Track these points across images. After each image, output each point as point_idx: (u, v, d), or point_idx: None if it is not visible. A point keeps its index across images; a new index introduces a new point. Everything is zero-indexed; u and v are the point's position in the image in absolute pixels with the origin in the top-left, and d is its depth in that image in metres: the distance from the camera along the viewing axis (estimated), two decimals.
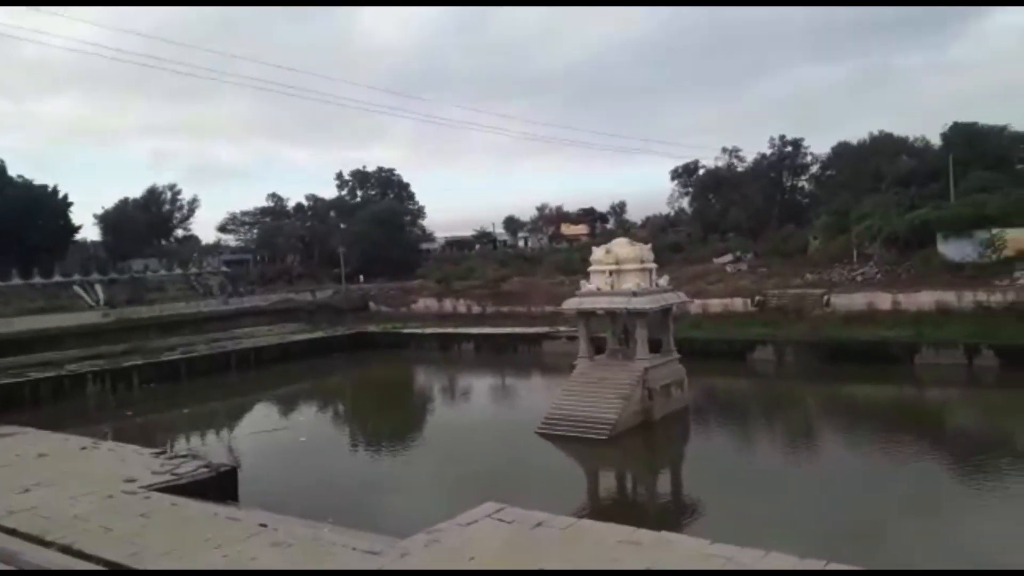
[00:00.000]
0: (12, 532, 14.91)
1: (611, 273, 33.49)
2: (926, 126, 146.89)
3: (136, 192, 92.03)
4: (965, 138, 64.03)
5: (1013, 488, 22.90)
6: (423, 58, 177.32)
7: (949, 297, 43.71)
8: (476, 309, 64.33)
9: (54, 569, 12.36)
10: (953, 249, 49.61)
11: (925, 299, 44.37)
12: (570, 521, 14.42)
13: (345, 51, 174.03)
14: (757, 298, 50.49)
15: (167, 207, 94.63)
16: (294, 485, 24.77)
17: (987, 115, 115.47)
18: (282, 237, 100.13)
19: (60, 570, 12.19)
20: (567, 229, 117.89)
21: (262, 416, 40.15)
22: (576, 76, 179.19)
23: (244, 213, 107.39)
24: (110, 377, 45.37)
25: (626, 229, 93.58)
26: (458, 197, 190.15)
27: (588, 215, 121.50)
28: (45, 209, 67.46)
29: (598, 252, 34.82)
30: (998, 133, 66.11)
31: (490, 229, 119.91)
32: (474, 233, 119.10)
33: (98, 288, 61.01)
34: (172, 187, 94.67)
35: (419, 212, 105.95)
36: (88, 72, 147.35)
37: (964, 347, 39.37)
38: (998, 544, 18.16)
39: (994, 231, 48.38)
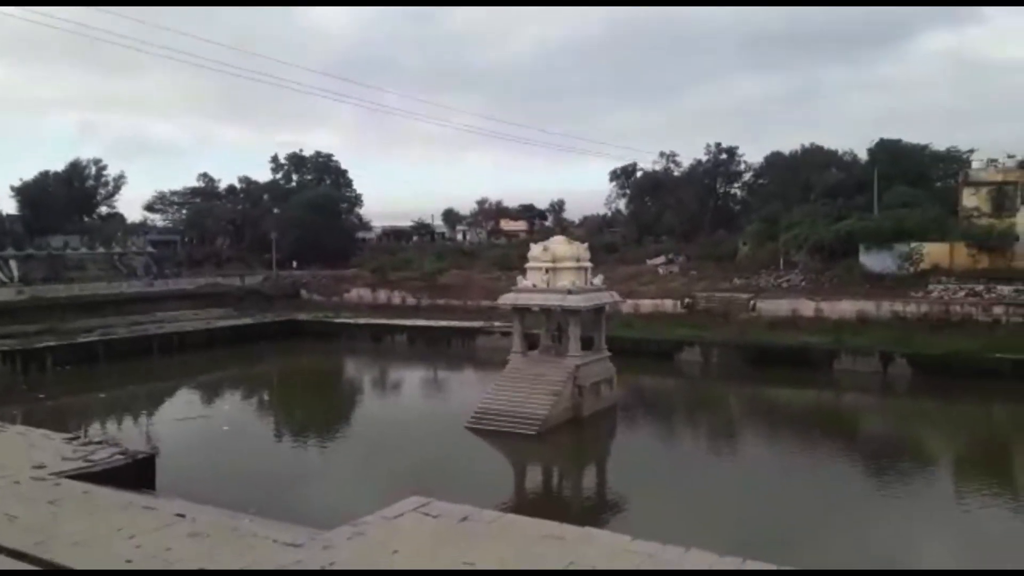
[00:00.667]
0: None
1: (548, 270, 33.71)
2: (854, 140, 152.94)
3: (59, 166, 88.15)
4: (890, 154, 66.67)
5: (915, 489, 24.02)
6: (369, 45, 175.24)
7: (868, 306, 45.57)
8: (411, 301, 63.84)
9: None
10: (874, 260, 51.71)
11: (846, 307, 46.14)
12: (496, 515, 14.43)
13: (289, 31, 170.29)
14: (687, 300, 51.63)
15: (91, 182, 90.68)
16: (215, 475, 24.17)
17: (911, 133, 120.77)
18: (212, 219, 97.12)
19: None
20: (506, 224, 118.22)
21: (184, 403, 38.99)
22: (521, 73, 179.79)
23: (173, 192, 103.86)
24: (21, 358, 43.33)
25: (564, 227, 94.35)
26: (397, 187, 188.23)
27: (527, 212, 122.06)
28: None
29: (536, 249, 35.00)
30: (920, 151, 69.15)
31: (429, 221, 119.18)
32: (412, 224, 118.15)
33: (12, 264, 58.17)
34: (97, 162, 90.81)
35: (356, 200, 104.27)
36: (9, 37, 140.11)
37: (880, 355, 41.06)
38: (901, 541, 19.03)
39: (912, 244, 50.64)
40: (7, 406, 34.30)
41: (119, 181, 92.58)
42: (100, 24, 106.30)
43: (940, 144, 70.84)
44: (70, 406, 36.65)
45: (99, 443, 21.15)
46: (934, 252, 50.29)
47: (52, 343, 46.06)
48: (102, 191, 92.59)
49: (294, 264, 78.69)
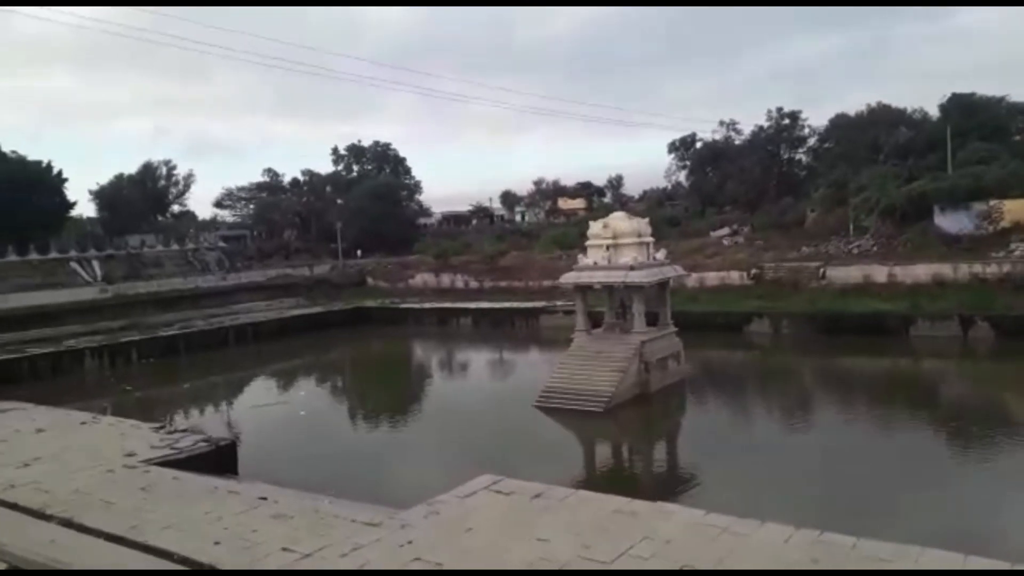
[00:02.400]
0: (13, 506, 15.02)
1: (608, 247, 33.46)
2: (924, 97, 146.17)
3: (131, 168, 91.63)
4: (963, 109, 63.70)
5: (1003, 459, 23.10)
6: (420, 31, 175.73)
7: (945, 269, 43.77)
8: (473, 284, 64.32)
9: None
10: (950, 221, 49.59)
11: (921, 271, 44.44)
12: (568, 492, 14.56)
13: (340, 23, 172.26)
14: (753, 271, 50.55)
15: (163, 183, 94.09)
16: (294, 459, 24.94)
17: (986, 86, 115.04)
18: (278, 212, 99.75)
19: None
20: (564, 203, 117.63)
21: (261, 391, 40.33)
22: (572, 49, 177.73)
23: (240, 188, 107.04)
24: (108, 353, 45.47)
25: (623, 203, 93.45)
26: (455, 172, 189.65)
27: (585, 189, 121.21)
28: (40, 185, 66.95)
29: (595, 226, 34.75)
30: (996, 104, 65.76)
31: (487, 204, 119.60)
32: (471, 208, 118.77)
33: (95, 264, 60.85)
34: (167, 162, 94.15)
35: (416, 187, 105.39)
36: (82, 47, 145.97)
37: (959, 319, 39.51)
38: (983, 509, 18.40)
39: (991, 202, 48.36)
40: (98, 399, 36.11)
41: (188, 180, 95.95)
42: (162, 28, 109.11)
43: (1018, 95, 67.31)
44: (155, 397, 38.32)
45: (184, 431, 22.17)
46: (1015, 209, 47.84)
47: (136, 338, 48.21)
48: (173, 190, 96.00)
49: (359, 252, 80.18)
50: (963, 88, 66.79)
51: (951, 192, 50.20)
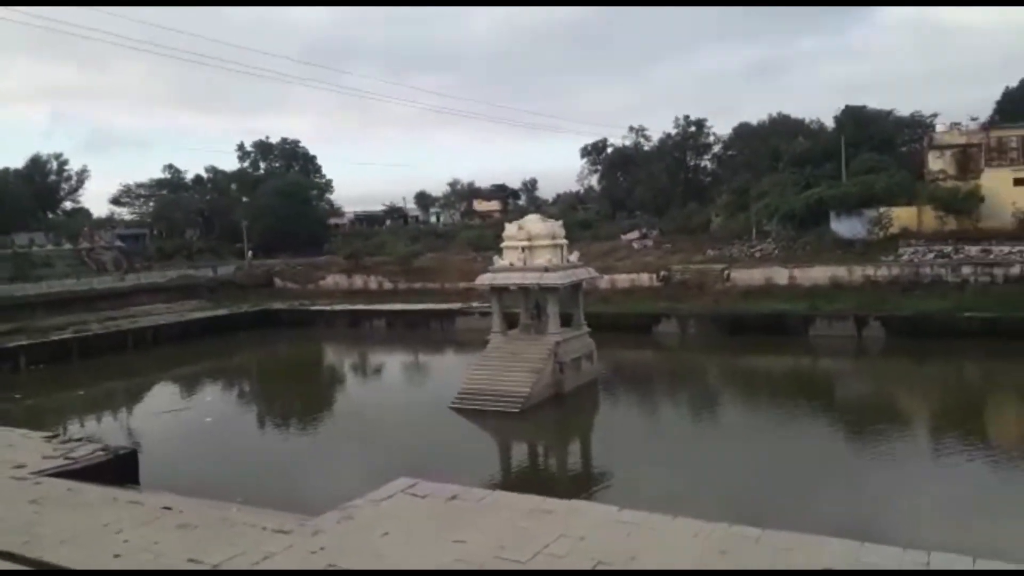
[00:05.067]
0: None
1: (524, 249, 33.68)
2: (821, 109, 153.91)
3: (18, 162, 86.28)
4: (855, 121, 67.34)
5: (894, 447, 24.51)
6: (334, 28, 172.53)
7: (841, 272, 46.22)
8: (388, 285, 63.53)
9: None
10: (845, 226, 52.38)
11: (819, 274, 46.75)
12: (485, 493, 14.57)
13: (251, 18, 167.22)
14: (662, 273, 51.98)
15: (53, 178, 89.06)
16: (199, 467, 23.99)
17: (877, 100, 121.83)
18: (180, 211, 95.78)
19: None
20: (479, 205, 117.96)
21: (163, 397, 38.62)
22: (489, 52, 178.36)
23: (139, 185, 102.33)
24: None
25: (537, 206, 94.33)
26: (368, 171, 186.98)
27: (500, 191, 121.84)
28: None
29: (511, 228, 34.94)
30: (885, 117, 69.93)
31: (401, 204, 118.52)
32: (384, 208, 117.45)
33: None
34: (58, 156, 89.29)
35: (327, 186, 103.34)
36: None
37: (854, 318, 41.71)
38: (882, 497, 19.48)
39: (881, 209, 51.33)
40: None
41: (82, 175, 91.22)
42: (57, 15, 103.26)
43: (904, 110, 71.86)
44: (47, 405, 36.14)
45: (79, 441, 20.98)
46: (902, 216, 51.08)
47: (24, 342, 45.24)
48: (65, 186, 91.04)
49: (249, 253, 77.56)
50: (855, 101, 70.58)
51: (845, 199, 53.05)
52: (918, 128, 69.96)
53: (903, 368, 37.34)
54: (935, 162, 56.21)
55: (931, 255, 46.36)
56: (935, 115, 68.94)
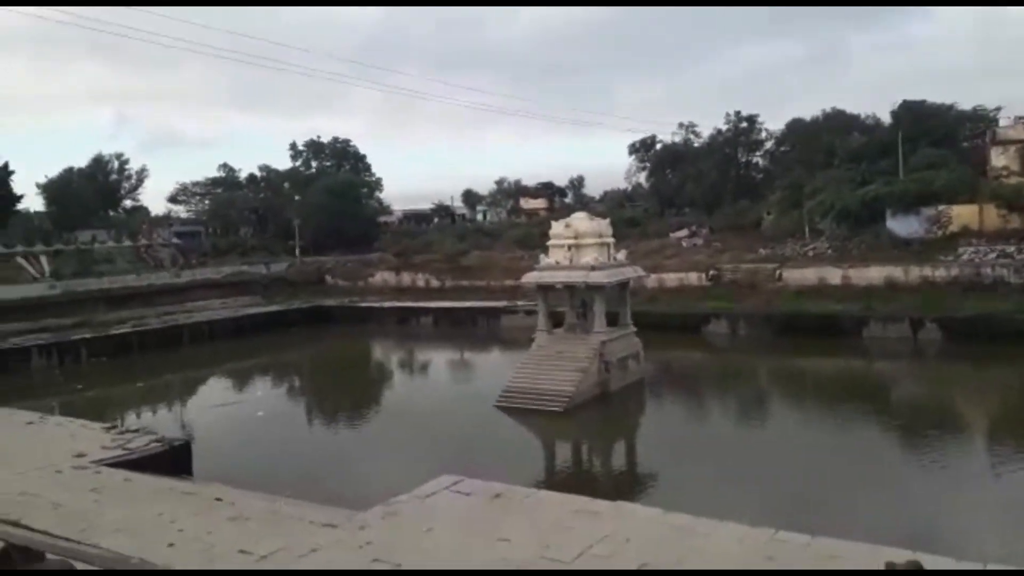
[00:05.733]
0: None
1: (570, 247, 33.58)
2: (877, 104, 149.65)
3: (82, 162, 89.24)
4: (914, 116, 65.36)
5: (950, 455, 23.75)
6: (384, 27, 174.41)
7: (897, 272, 44.90)
8: (435, 283, 64.01)
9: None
10: (901, 225, 50.90)
11: (874, 274, 45.52)
12: (528, 492, 14.61)
13: (303, 19, 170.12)
14: (712, 272, 51.25)
15: (114, 177, 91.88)
16: (251, 459, 24.53)
17: (936, 94, 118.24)
18: (235, 209, 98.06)
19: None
20: (526, 203, 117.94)
21: (217, 391, 39.60)
22: (537, 49, 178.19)
23: (195, 184, 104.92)
24: (57, 351, 44.08)
25: (584, 203, 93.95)
26: (416, 169, 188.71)
27: (547, 189, 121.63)
28: None
29: (557, 226, 34.86)
30: (945, 111, 67.63)
31: (448, 203, 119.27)
32: (432, 206, 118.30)
33: (43, 259, 59.18)
34: (119, 156, 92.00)
35: (376, 184, 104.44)
36: (30, 35, 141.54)
37: (910, 320, 40.52)
38: (934, 506, 18.92)
39: (940, 207, 49.74)
40: (46, 398, 35.05)
41: (142, 174, 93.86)
42: (118, 20, 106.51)
43: (966, 103, 69.33)
44: (107, 396, 37.35)
45: (136, 432, 21.66)
46: (963, 214, 49.36)
47: (87, 335, 46.86)
48: (126, 185, 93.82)
49: (301, 252, 78.84)
50: (913, 95, 68.47)
51: (902, 197, 51.51)
52: (980, 123, 67.42)
53: (961, 372, 36.12)
54: (998, 158, 54.25)
55: (993, 255, 44.74)
56: (998, 109, 66.38)
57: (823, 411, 30.66)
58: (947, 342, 38.90)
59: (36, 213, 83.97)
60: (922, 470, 22.57)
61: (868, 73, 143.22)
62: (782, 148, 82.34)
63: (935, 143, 61.62)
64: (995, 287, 41.66)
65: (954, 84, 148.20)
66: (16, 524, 13.44)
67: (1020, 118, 57.03)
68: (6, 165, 68.21)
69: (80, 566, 9.14)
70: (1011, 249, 44.65)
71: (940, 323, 39.65)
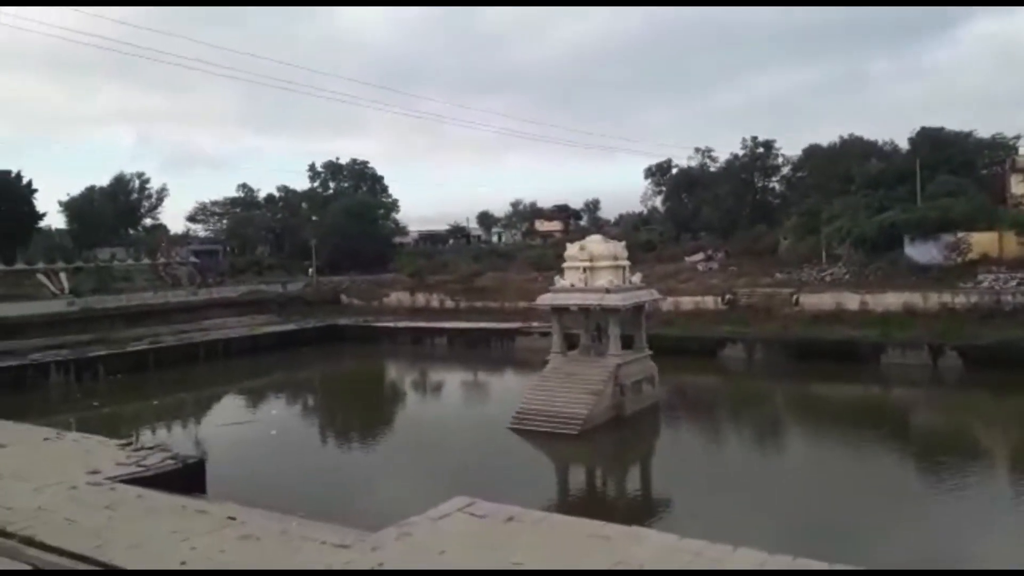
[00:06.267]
0: None
1: (585, 270, 33.58)
2: (895, 130, 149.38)
3: (103, 180, 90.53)
4: (932, 143, 65.08)
5: (968, 484, 23.35)
6: (402, 50, 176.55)
7: (915, 298, 44.49)
8: (449, 304, 64.15)
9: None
10: (920, 251, 50.49)
11: (892, 300, 45.12)
12: (542, 515, 14.48)
13: (324, 41, 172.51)
14: (728, 296, 50.99)
15: (135, 196, 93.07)
16: (264, 478, 24.51)
17: (955, 121, 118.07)
18: (252, 228, 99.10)
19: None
20: (541, 225, 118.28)
21: (231, 409, 39.72)
22: (553, 73, 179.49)
23: (214, 203, 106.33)
24: (75, 367, 44.47)
25: (600, 226, 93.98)
26: (432, 191, 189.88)
27: (562, 212, 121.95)
28: (8, 195, 65.75)
29: (572, 249, 34.88)
30: (964, 139, 67.30)
31: (464, 224, 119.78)
32: (448, 228, 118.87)
33: (63, 277, 59.82)
34: (140, 175, 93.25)
35: (393, 205, 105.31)
36: (55, 57, 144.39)
37: (929, 347, 40.07)
38: (952, 536, 18.57)
39: (959, 234, 49.35)
40: (63, 414, 35.25)
41: (161, 193, 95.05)
42: (142, 42, 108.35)
43: (985, 131, 69.01)
44: (123, 413, 37.54)
45: (151, 449, 21.71)
46: (982, 241, 48.92)
47: (103, 352, 47.23)
48: (145, 203, 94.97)
49: (316, 272, 79.33)
50: (931, 122, 68.22)
51: (920, 223, 51.15)
52: (1000, 150, 67.13)
53: (981, 400, 35.62)
54: (1018, 186, 53.93)
55: (1013, 282, 44.23)
56: (1018, 137, 66.18)
57: (840, 438, 30.25)
58: (967, 370, 38.39)
59: (57, 230, 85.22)
60: (940, 498, 22.20)
61: (886, 99, 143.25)
62: (799, 174, 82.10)
63: (954, 170, 61.27)
64: (1015, 314, 41.15)
65: (974, 111, 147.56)
66: (31, 541, 13.49)
67: None
68: (29, 183, 69.15)
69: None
70: None
71: (960, 350, 39.17)
